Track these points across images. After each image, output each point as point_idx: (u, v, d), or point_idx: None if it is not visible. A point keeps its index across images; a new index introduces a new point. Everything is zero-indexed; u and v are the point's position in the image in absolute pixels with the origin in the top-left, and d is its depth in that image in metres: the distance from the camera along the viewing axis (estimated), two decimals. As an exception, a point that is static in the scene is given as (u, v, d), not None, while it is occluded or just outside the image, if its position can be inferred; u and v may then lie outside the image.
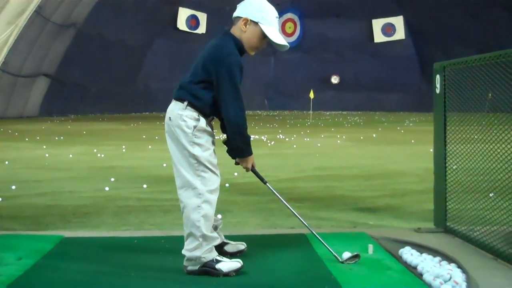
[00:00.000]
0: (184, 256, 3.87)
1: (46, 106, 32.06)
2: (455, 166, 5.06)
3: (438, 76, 4.56)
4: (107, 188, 7.80)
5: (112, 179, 8.63)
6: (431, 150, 5.40)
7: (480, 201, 5.01)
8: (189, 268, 3.85)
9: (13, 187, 7.92)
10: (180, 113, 3.86)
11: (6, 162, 10.96)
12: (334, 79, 42.28)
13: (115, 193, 7.53)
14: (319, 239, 4.23)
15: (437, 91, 4.60)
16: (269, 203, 6.92)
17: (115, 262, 4.09)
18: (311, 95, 28.12)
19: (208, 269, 3.79)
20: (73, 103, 33.29)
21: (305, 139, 17.13)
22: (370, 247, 4.25)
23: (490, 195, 4.74)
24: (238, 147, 3.94)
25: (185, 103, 3.86)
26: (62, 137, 17.36)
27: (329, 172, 9.74)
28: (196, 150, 3.81)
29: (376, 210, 6.54)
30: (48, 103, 32.05)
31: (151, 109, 38.09)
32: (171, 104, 3.98)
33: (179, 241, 4.07)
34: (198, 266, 3.82)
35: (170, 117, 3.93)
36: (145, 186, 8.04)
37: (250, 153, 3.99)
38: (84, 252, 4.35)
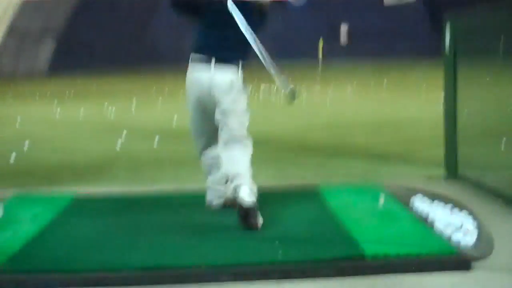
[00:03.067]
0: None
1: (54, 65, 31.92)
2: (466, 109, 5.00)
3: (448, 24, 4.44)
4: (118, 142, 7.80)
5: (124, 132, 8.62)
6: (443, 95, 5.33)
7: (493, 146, 4.99)
8: None
9: (26, 143, 7.93)
10: None
11: (18, 118, 10.94)
12: (343, 28, 41.64)
13: (127, 147, 7.54)
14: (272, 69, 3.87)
15: (447, 45, 4.50)
16: (281, 152, 6.93)
17: (129, 219, 4.07)
18: (320, 44, 27.84)
19: None
20: (81, 61, 33.02)
21: (316, 86, 17.01)
22: (382, 198, 4.22)
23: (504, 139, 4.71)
24: None
25: None
26: (71, 93, 17.34)
27: (339, 120, 9.72)
28: None
29: (388, 156, 6.53)
30: (56, 61, 31.91)
31: (160, 64, 37.81)
32: None
33: (192, 197, 4.08)
34: None
35: None
36: (157, 138, 8.02)
37: None
38: (98, 209, 4.35)
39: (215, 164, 3.94)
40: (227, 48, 3.76)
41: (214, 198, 4.07)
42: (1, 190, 4.82)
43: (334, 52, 37.66)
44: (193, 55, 3.83)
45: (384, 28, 40.41)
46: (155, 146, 7.61)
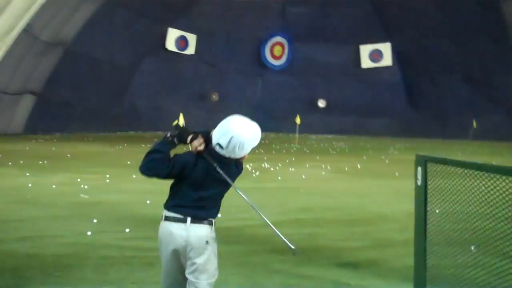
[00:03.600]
0: None
1: (31, 124, 31.82)
2: (437, 210, 5.07)
3: (419, 168, 4.61)
4: (89, 233, 7.76)
5: (95, 220, 8.59)
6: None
7: (461, 255, 5.06)
8: None
9: (-6, 228, 7.87)
10: None
11: (-12, 195, 10.87)
12: (321, 103, 42.43)
13: (97, 239, 7.49)
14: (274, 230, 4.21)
15: (418, 182, 4.65)
16: (251, 256, 6.93)
17: None
18: (297, 120, 28.23)
19: None
20: (59, 121, 33.11)
21: (290, 169, 17.16)
22: None
23: (472, 248, 4.78)
24: (157, 148, 3.89)
25: None
26: (46, 161, 17.24)
27: (312, 214, 9.76)
28: None
29: (358, 265, 6.57)
30: (33, 121, 31.83)
31: (138, 128, 38.02)
32: None
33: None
34: None
35: None
36: (127, 230, 8.01)
37: (169, 142, 3.92)
38: None
39: None
40: (202, 208, 3.86)
41: None
42: None
43: (311, 127, 38.26)
44: (167, 212, 3.90)
45: (361, 104, 41.24)
46: (125, 237, 7.60)
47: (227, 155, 3.83)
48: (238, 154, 3.86)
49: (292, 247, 4.03)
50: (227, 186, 3.99)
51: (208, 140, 3.92)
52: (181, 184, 3.88)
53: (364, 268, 6.48)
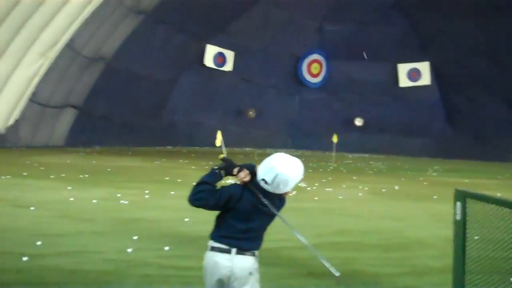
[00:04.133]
0: None
1: (72, 137, 32.53)
2: (476, 236, 5.04)
3: (458, 204, 4.63)
4: (129, 250, 7.93)
5: (135, 237, 8.76)
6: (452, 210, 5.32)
7: (501, 285, 5.03)
8: None
9: (39, 243, 8.09)
10: None
11: (32, 208, 11.16)
12: (358, 121, 42.26)
13: (137, 257, 7.65)
14: (319, 258, 4.30)
15: (457, 217, 4.67)
16: (288, 279, 7.00)
17: None
18: (335, 139, 28.17)
19: None
20: (99, 135, 33.75)
21: (327, 189, 17.15)
22: None
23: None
24: (206, 180, 4.02)
25: None
26: (86, 175, 17.60)
27: (349, 237, 9.76)
28: None
29: (395, 293, 6.57)
30: (74, 134, 32.53)
31: (175, 143, 38.46)
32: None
33: None
34: None
35: None
36: (166, 248, 8.15)
37: (216, 174, 4.06)
38: None
39: None
40: (247, 239, 3.97)
41: None
42: None
43: (348, 145, 38.09)
44: (213, 243, 4.01)
45: (399, 124, 40.93)
46: (164, 256, 7.75)
47: (271, 190, 3.94)
48: (282, 190, 3.98)
49: (336, 274, 4.08)
50: (270, 218, 4.10)
51: (253, 173, 4.04)
52: (226, 216, 3.99)
53: (401, 295, 6.48)
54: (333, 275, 4.12)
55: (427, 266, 7.93)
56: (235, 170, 4.03)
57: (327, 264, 4.17)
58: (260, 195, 3.94)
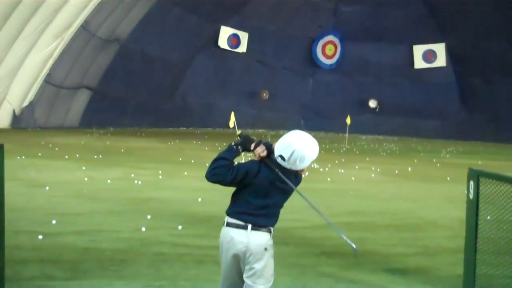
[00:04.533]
0: None
1: (86, 118, 32.73)
2: (489, 217, 5.03)
3: (471, 183, 4.62)
4: (143, 229, 8.01)
5: (149, 217, 8.84)
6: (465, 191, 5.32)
7: None
8: None
9: (54, 221, 8.19)
10: None
11: (47, 188, 11.29)
12: (372, 103, 42.05)
13: (151, 235, 7.73)
14: (336, 231, 4.43)
15: (470, 196, 4.66)
16: (301, 257, 7.04)
17: None
18: (348, 120, 28.08)
19: None
20: (113, 116, 33.91)
21: (340, 170, 17.14)
22: None
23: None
24: (223, 156, 4.06)
25: None
26: (101, 156, 17.72)
27: (361, 218, 9.78)
28: None
29: (406, 272, 6.60)
30: (88, 115, 32.72)
31: (189, 124, 38.55)
32: None
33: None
34: None
35: None
36: (180, 227, 8.23)
37: (234, 150, 4.10)
38: None
39: None
40: (263, 216, 4.01)
41: None
42: None
43: (362, 127, 37.96)
44: (229, 219, 4.04)
45: (413, 105, 40.68)
46: (178, 234, 7.83)
47: (288, 166, 3.97)
48: (298, 167, 4.01)
49: (354, 246, 4.13)
50: (287, 196, 4.14)
51: (269, 150, 4.06)
52: (243, 192, 4.03)
53: (412, 275, 6.50)
54: (351, 248, 4.18)
55: (439, 246, 7.94)
56: (252, 145, 4.07)
57: (344, 237, 4.22)
58: (277, 170, 3.97)
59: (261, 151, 4.04)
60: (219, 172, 3.97)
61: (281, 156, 3.97)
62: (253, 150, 4.07)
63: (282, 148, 3.98)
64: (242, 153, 4.19)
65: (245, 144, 4.09)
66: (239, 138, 4.18)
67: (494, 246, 5.13)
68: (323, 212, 9.56)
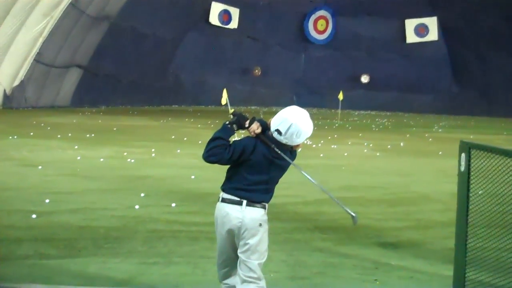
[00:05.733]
0: None
1: (77, 97, 32.57)
2: (480, 191, 5.07)
3: (463, 155, 4.63)
4: (137, 206, 8.02)
5: (142, 194, 8.86)
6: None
7: (504, 238, 5.08)
8: None
9: (47, 200, 8.20)
10: None
11: (40, 167, 11.27)
12: (364, 78, 42.02)
13: (145, 213, 7.75)
14: (335, 201, 4.50)
15: (462, 168, 4.68)
16: (294, 233, 7.09)
17: None
18: (340, 96, 28.08)
19: None
20: (105, 94, 33.78)
21: (332, 146, 17.20)
22: None
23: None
24: (219, 135, 4.05)
25: None
26: (93, 134, 17.69)
27: (354, 192, 9.84)
28: None
29: (399, 245, 6.66)
30: (80, 94, 32.57)
31: (181, 101, 38.45)
32: None
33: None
34: None
35: None
36: (173, 205, 8.25)
37: (228, 129, 4.08)
38: None
39: None
40: (258, 191, 4.02)
41: None
42: (29, 286, 4.93)
43: (354, 103, 37.99)
44: (224, 194, 4.05)
45: (405, 80, 40.69)
46: (172, 212, 7.87)
47: (284, 141, 3.98)
48: (295, 142, 4.02)
49: (353, 214, 4.20)
50: (282, 172, 4.15)
51: (264, 127, 4.07)
52: (238, 168, 4.04)
53: (404, 248, 6.56)
54: (351, 216, 4.26)
55: (431, 220, 8.01)
56: (247, 123, 4.07)
57: (343, 206, 4.32)
58: (273, 145, 3.98)
59: (256, 127, 4.04)
60: (216, 152, 3.97)
61: (277, 131, 3.98)
62: (248, 128, 4.08)
63: (279, 123, 3.99)
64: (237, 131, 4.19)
65: (239, 122, 4.09)
66: (232, 116, 4.16)
67: (486, 219, 5.18)
68: (316, 188, 9.60)
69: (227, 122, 4.10)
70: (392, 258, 6.14)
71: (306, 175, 4.27)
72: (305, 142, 4.23)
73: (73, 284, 5.03)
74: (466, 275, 4.83)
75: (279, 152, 3.98)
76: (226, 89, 15.49)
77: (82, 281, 5.16)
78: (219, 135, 4.02)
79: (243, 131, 4.24)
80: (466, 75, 39.83)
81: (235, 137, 4.30)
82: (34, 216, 7.29)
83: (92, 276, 5.31)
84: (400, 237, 7.06)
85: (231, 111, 4.29)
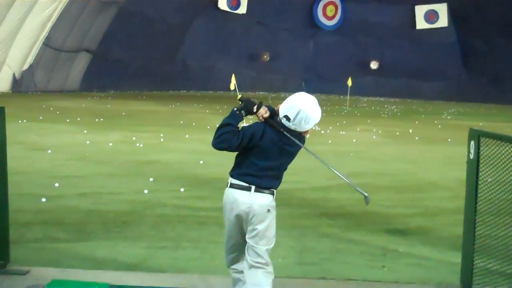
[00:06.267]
0: None
1: (86, 81, 32.62)
2: (490, 179, 5.05)
3: (472, 143, 4.61)
4: (146, 191, 8.05)
5: (151, 179, 8.89)
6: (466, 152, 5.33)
7: None
8: None
9: (56, 184, 8.24)
10: None
11: (49, 151, 11.33)
12: (373, 64, 41.81)
13: (153, 198, 7.79)
14: (346, 181, 4.55)
15: (471, 156, 4.66)
16: (302, 219, 7.10)
17: None
18: (349, 82, 27.97)
19: None
20: (113, 79, 33.77)
21: (341, 132, 17.17)
22: None
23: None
24: (228, 122, 4.03)
25: None
26: (102, 119, 17.73)
27: (362, 179, 9.82)
28: None
29: (407, 232, 6.66)
30: (88, 78, 32.60)
31: (189, 87, 38.41)
32: None
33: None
34: None
35: None
36: (182, 190, 8.28)
37: (237, 115, 4.05)
38: None
39: (241, 278, 4.15)
40: (266, 177, 4.02)
41: None
42: (38, 269, 4.97)
43: (363, 89, 37.83)
44: (232, 180, 4.05)
45: (415, 67, 40.45)
46: (180, 197, 7.90)
47: (292, 127, 3.97)
48: (303, 128, 4.00)
49: (366, 194, 4.21)
50: (291, 157, 4.14)
51: (272, 112, 4.06)
52: (247, 154, 4.03)
53: (412, 235, 6.57)
54: (364, 196, 4.25)
55: (439, 207, 8.00)
56: (254, 108, 4.06)
57: (355, 187, 4.34)
58: (283, 130, 3.97)
59: (264, 112, 4.03)
60: (225, 138, 3.96)
61: (286, 117, 3.97)
62: (255, 113, 4.07)
63: (287, 109, 3.98)
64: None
65: (247, 108, 4.08)
66: (240, 102, 4.16)
67: (494, 207, 5.17)
68: (325, 173, 9.60)
69: (235, 108, 4.09)
70: (400, 244, 6.15)
71: (316, 155, 4.25)
72: (314, 128, 4.21)
73: (82, 268, 5.07)
74: (474, 263, 4.82)
75: (288, 135, 3.98)
76: (235, 75, 15.43)
77: (91, 264, 5.20)
78: (227, 121, 4.02)
79: (252, 117, 4.24)
80: (476, 62, 39.53)
81: (244, 123, 4.30)
82: (43, 200, 7.34)
83: (101, 260, 5.35)
84: (408, 224, 7.06)
85: (239, 96, 4.27)
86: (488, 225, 5.15)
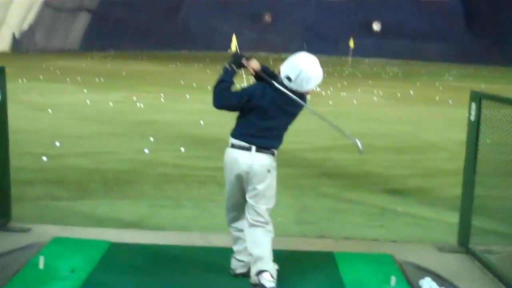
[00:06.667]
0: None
1: (87, 41, 32.46)
2: (489, 140, 5.07)
3: (473, 104, 4.59)
4: (146, 151, 8.09)
5: (151, 139, 8.91)
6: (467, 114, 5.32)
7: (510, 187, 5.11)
8: None
9: (57, 143, 8.27)
10: None
11: (49, 111, 11.33)
12: (376, 26, 41.42)
13: (154, 157, 7.83)
14: (343, 132, 4.46)
15: (472, 118, 4.65)
16: (301, 179, 7.15)
17: (163, 274, 4.24)
18: (351, 43, 27.76)
19: None
20: (113, 39, 33.55)
21: (342, 93, 17.14)
22: (393, 279, 4.20)
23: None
24: (222, 78, 4.02)
25: None
26: (102, 79, 17.69)
27: (363, 140, 9.61)
28: None
29: (405, 193, 6.71)
30: (89, 38, 32.44)
31: (190, 47, 38.15)
32: None
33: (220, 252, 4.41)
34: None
35: None
36: (182, 149, 8.31)
37: (229, 71, 4.03)
38: (133, 261, 4.42)
39: (241, 237, 4.18)
40: (267, 137, 4.01)
41: (238, 267, 4.30)
42: (40, 227, 5.02)
43: (365, 50, 37.55)
44: (233, 140, 4.04)
45: (417, 28, 40.07)
46: (181, 156, 7.94)
47: (294, 88, 3.95)
48: (304, 88, 3.98)
49: (360, 147, 4.28)
50: (292, 117, 4.12)
51: (270, 74, 4.04)
52: (248, 114, 4.02)
53: (411, 195, 6.61)
54: (358, 148, 4.30)
55: (439, 168, 8.03)
56: (244, 60, 4.03)
57: (350, 137, 4.35)
58: (283, 88, 3.95)
59: (254, 64, 4.01)
60: (223, 95, 3.95)
61: (287, 77, 3.95)
62: (246, 66, 4.05)
63: (289, 69, 3.96)
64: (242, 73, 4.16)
65: (236, 60, 4.06)
66: (232, 57, 4.14)
67: (493, 168, 5.19)
68: (326, 134, 9.60)
69: (226, 64, 4.07)
70: (398, 204, 6.19)
71: (314, 111, 4.21)
72: (315, 89, 4.19)
73: (83, 225, 5.12)
74: (471, 223, 4.86)
75: (289, 94, 3.95)
76: (236, 36, 15.30)
77: (92, 222, 5.25)
78: (222, 78, 4.00)
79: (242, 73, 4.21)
80: (479, 24, 39.12)
81: (244, 84, 4.28)
82: (44, 158, 7.38)
83: (102, 218, 5.40)
84: (407, 184, 7.11)
85: (230, 51, 4.24)
86: (486, 186, 5.19)
